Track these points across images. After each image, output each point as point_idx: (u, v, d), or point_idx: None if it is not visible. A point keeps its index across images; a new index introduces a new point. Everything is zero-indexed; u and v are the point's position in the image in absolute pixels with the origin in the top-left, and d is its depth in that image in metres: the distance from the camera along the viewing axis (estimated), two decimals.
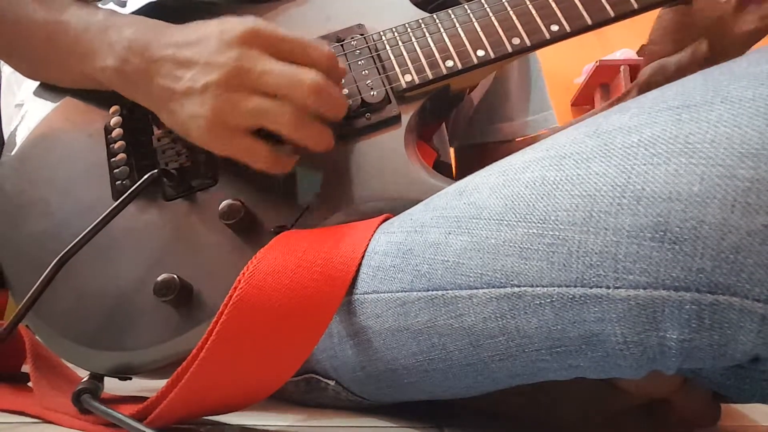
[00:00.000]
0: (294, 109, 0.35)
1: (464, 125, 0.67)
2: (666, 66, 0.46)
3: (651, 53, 0.47)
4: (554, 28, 0.41)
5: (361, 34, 0.44)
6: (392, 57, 0.42)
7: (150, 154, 0.42)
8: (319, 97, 0.36)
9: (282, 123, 0.36)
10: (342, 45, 0.44)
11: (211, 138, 0.37)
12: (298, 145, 0.38)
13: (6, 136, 0.47)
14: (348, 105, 0.39)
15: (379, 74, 0.42)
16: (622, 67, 2.03)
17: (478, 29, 0.42)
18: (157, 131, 0.43)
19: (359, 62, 0.43)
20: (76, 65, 0.42)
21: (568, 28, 0.41)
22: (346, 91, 0.42)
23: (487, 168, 0.32)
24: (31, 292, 0.35)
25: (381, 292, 0.32)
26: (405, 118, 0.41)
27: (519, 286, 0.26)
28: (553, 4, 0.41)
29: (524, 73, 0.67)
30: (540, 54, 0.43)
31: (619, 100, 0.52)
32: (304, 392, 0.40)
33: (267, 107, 0.35)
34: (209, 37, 0.37)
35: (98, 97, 0.44)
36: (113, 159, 0.43)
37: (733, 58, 0.29)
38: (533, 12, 0.41)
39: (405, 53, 0.42)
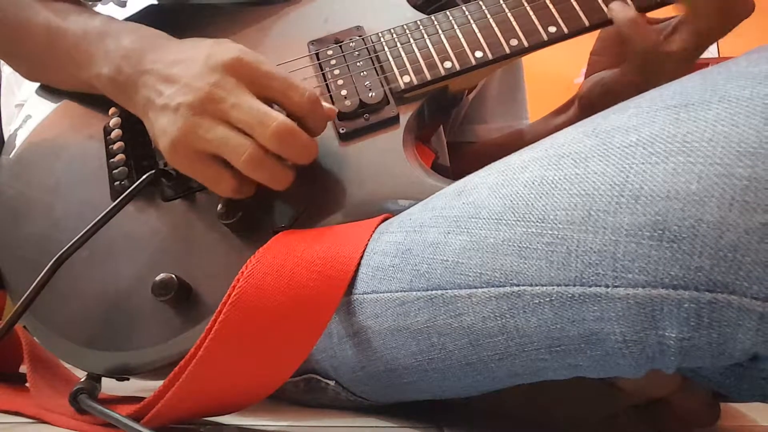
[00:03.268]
0: (254, 148, 0.35)
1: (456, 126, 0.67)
2: (601, 81, 0.46)
3: (592, 64, 0.47)
4: (552, 29, 0.41)
5: (360, 36, 0.44)
6: (390, 58, 0.42)
7: (149, 155, 0.42)
8: (282, 142, 0.35)
9: (238, 159, 0.35)
10: (340, 46, 0.44)
11: (176, 157, 0.37)
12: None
13: (6, 136, 0.47)
14: (318, 150, 0.37)
15: (378, 75, 0.42)
16: None
17: (476, 30, 0.42)
18: None
19: (358, 63, 0.43)
20: (73, 71, 0.43)
21: (565, 30, 0.41)
22: (344, 92, 0.42)
23: (486, 168, 0.32)
24: (28, 292, 0.35)
25: (380, 292, 0.32)
26: (403, 119, 0.41)
27: (518, 285, 0.27)
28: (551, 6, 0.41)
29: (509, 79, 0.66)
30: (539, 54, 0.43)
31: (559, 111, 0.52)
32: (303, 392, 0.40)
33: (228, 139, 0.35)
34: (195, 59, 0.37)
35: (98, 98, 0.44)
36: (112, 160, 0.42)
37: (663, 79, 0.29)
38: (531, 13, 0.41)
39: (403, 54, 0.42)
